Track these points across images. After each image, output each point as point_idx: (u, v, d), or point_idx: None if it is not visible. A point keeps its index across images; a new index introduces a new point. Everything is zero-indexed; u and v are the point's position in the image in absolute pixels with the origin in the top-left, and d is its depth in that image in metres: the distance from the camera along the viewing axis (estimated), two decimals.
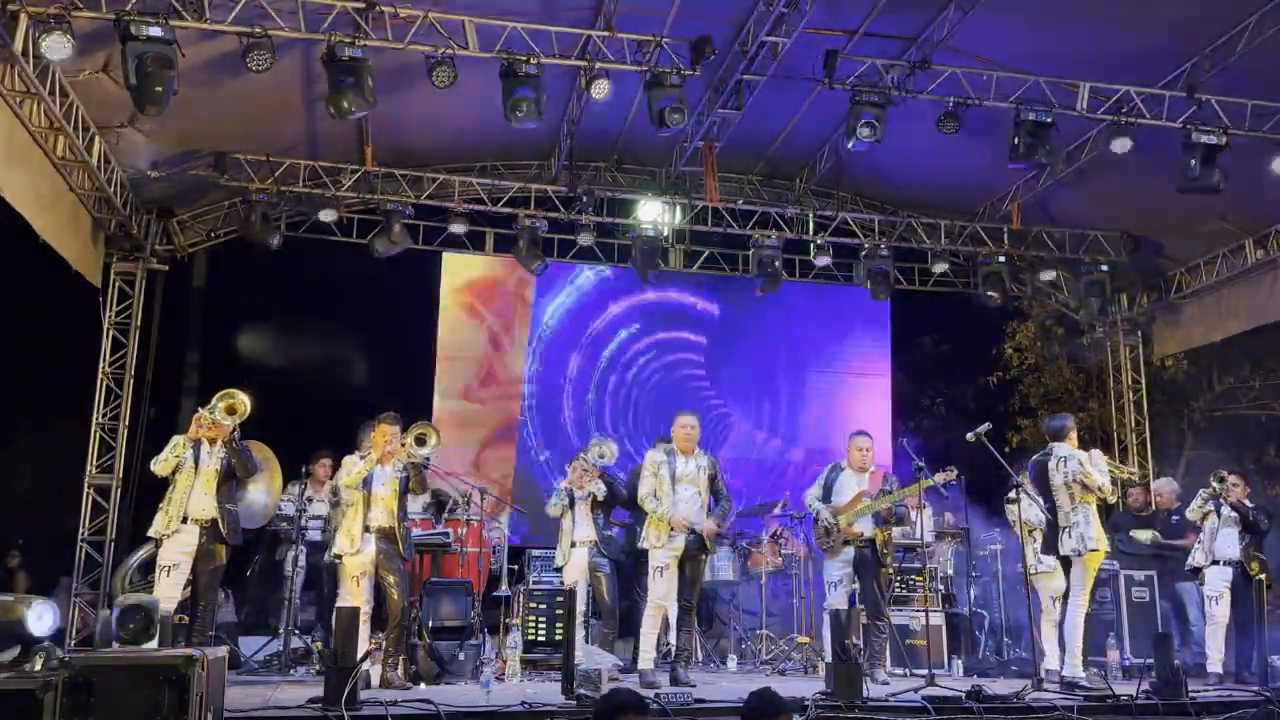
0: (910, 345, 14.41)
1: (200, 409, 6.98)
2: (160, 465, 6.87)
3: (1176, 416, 14.02)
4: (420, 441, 6.89)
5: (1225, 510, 7.89)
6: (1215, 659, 7.69)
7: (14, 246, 8.12)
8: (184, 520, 6.75)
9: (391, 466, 6.87)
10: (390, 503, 6.83)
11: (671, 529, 6.88)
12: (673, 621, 7.08)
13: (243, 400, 6.87)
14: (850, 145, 8.38)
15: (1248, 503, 7.93)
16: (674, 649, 7.10)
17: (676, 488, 6.99)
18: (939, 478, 7.42)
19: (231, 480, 7.01)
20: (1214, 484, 7.92)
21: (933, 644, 7.99)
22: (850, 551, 7.41)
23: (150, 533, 6.88)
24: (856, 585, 7.48)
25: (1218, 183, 8.18)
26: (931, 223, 11.13)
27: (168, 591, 6.60)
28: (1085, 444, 7.69)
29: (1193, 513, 8.10)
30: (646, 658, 6.90)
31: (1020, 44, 8.16)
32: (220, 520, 6.83)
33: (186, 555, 6.76)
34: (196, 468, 6.85)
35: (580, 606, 7.21)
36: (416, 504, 8.68)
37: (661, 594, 6.91)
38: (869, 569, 7.39)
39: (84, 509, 9.43)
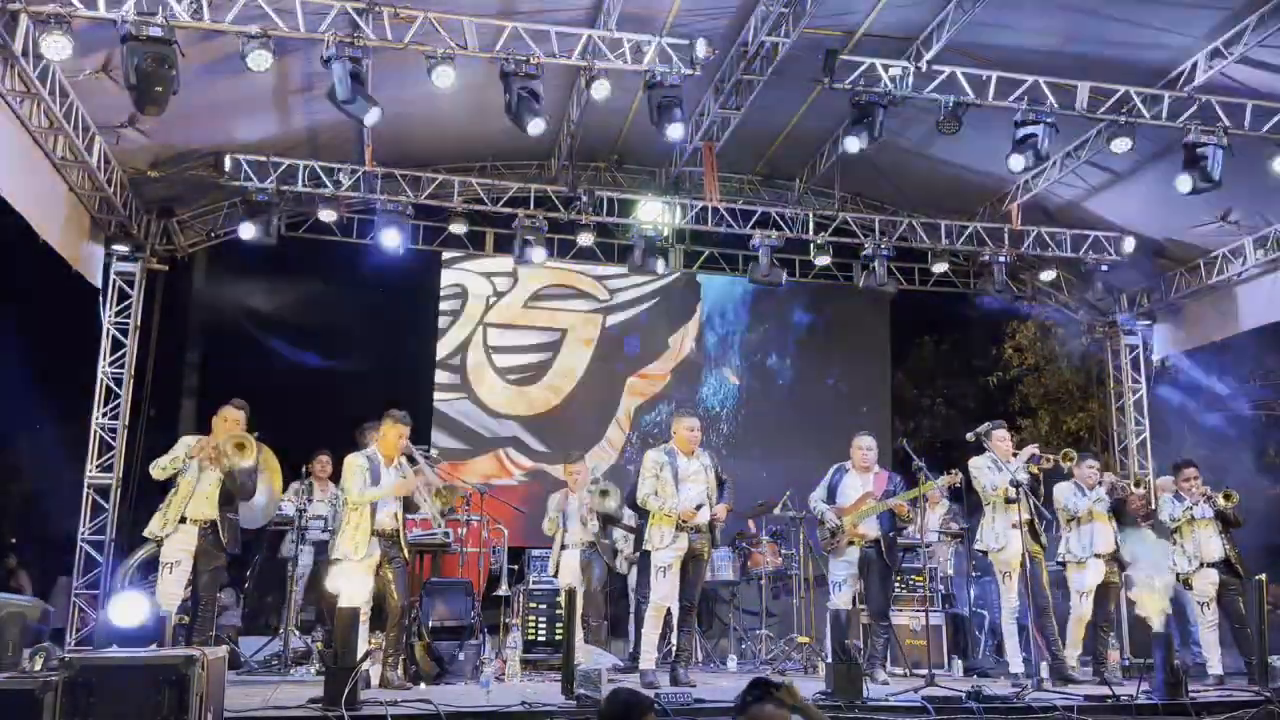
0: (910, 345, 14.40)
1: (215, 419, 6.83)
2: (157, 470, 6.73)
3: (1176, 416, 13.99)
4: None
5: (1201, 511, 7.83)
6: (1214, 659, 7.68)
7: (14, 246, 8.12)
8: (182, 520, 6.68)
9: (396, 469, 6.83)
10: (394, 505, 6.80)
11: (678, 527, 6.86)
12: (673, 621, 7.06)
13: (253, 445, 6.78)
14: (847, 146, 8.39)
15: (1209, 492, 7.87)
16: (674, 649, 7.09)
17: (681, 488, 6.95)
18: (943, 481, 7.43)
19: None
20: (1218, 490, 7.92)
21: (933, 644, 7.99)
22: (855, 551, 7.40)
23: (145, 533, 6.79)
24: (861, 585, 7.47)
25: (1217, 182, 8.18)
26: (931, 223, 11.12)
27: (170, 589, 6.55)
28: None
29: (1177, 523, 7.92)
30: (648, 658, 6.87)
31: (1020, 44, 8.16)
32: (220, 524, 6.75)
33: (188, 553, 6.67)
34: (199, 474, 6.79)
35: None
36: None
37: (664, 594, 6.86)
38: (874, 569, 7.39)
39: (84, 509, 9.43)
